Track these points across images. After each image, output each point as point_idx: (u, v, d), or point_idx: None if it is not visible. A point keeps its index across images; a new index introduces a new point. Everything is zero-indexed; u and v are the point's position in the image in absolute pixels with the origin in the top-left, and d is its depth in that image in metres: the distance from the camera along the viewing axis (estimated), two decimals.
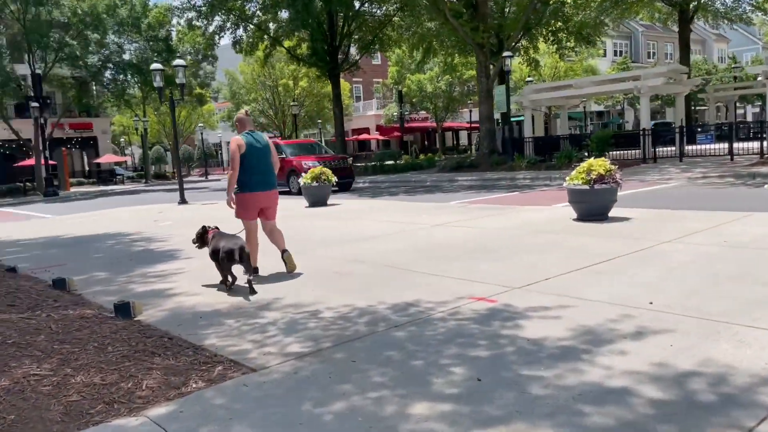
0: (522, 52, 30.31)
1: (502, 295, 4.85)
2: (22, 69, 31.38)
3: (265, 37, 31.60)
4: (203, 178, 47.09)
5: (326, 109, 47.05)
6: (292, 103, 42.62)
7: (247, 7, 30.69)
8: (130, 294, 5.66)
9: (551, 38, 28.40)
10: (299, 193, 15.81)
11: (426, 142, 57.45)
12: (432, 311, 4.52)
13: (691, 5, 31.78)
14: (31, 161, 33.23)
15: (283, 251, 6.20)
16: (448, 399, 2.98)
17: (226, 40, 32.04)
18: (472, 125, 47.41)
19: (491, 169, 22.43)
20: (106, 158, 43.52)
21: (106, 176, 43.57)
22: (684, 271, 5.21)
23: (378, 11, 31.64)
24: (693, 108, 39.44)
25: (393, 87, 48.61)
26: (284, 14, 30.44)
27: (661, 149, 21.08)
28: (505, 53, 23.35)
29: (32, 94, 28.92)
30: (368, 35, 32.10)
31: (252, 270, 5.57)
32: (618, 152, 20.94)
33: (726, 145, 19.45)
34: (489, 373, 3.27)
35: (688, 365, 3.19)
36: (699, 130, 25.92)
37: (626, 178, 11.21)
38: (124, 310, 4.66)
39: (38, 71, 30.05)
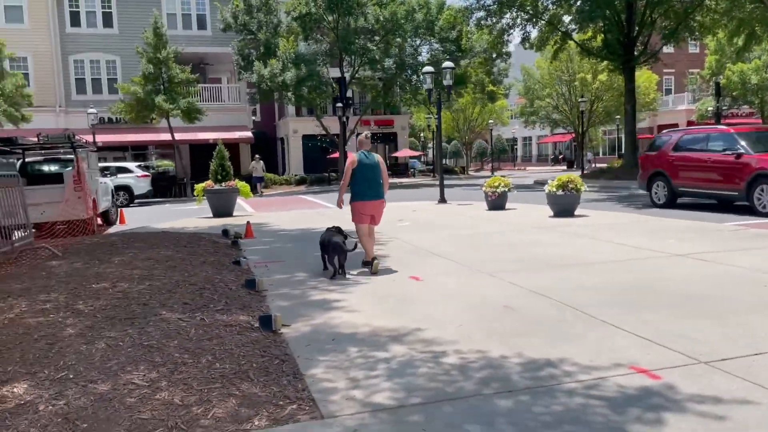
0: None
1: (674, 370, 3.76)
2: (335, 73, 35.67)
3: (556, 31, 30.55)
4: (491, 174, 47.87)
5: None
6: (580, 99, 40.54)
7: (540, 2, 30.05)
8: (303, 302, 5.90)
9: None
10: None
11: None
12: (567, 378, 3.72)
13: None
14: (336, 154, 37.74)
15: (373, 259, 7.16)
16: None
17: (516, 38, 31.98)
18: None
19: None
20: (403, 152, 47.17)
21: (401, 169, 47.23)
22: None
23: None
24: None
25: (710, 78, 42.60)
26: (577, 4, 29.04)
27: None
28: None
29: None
30: (673, 23, 28.71)
31: (343, 263, 6.96)
32: None
33: None
34: None
35: None
36: None
37: None
38: (266, 322, 4.84)
39: (346, 75, 33.92)
